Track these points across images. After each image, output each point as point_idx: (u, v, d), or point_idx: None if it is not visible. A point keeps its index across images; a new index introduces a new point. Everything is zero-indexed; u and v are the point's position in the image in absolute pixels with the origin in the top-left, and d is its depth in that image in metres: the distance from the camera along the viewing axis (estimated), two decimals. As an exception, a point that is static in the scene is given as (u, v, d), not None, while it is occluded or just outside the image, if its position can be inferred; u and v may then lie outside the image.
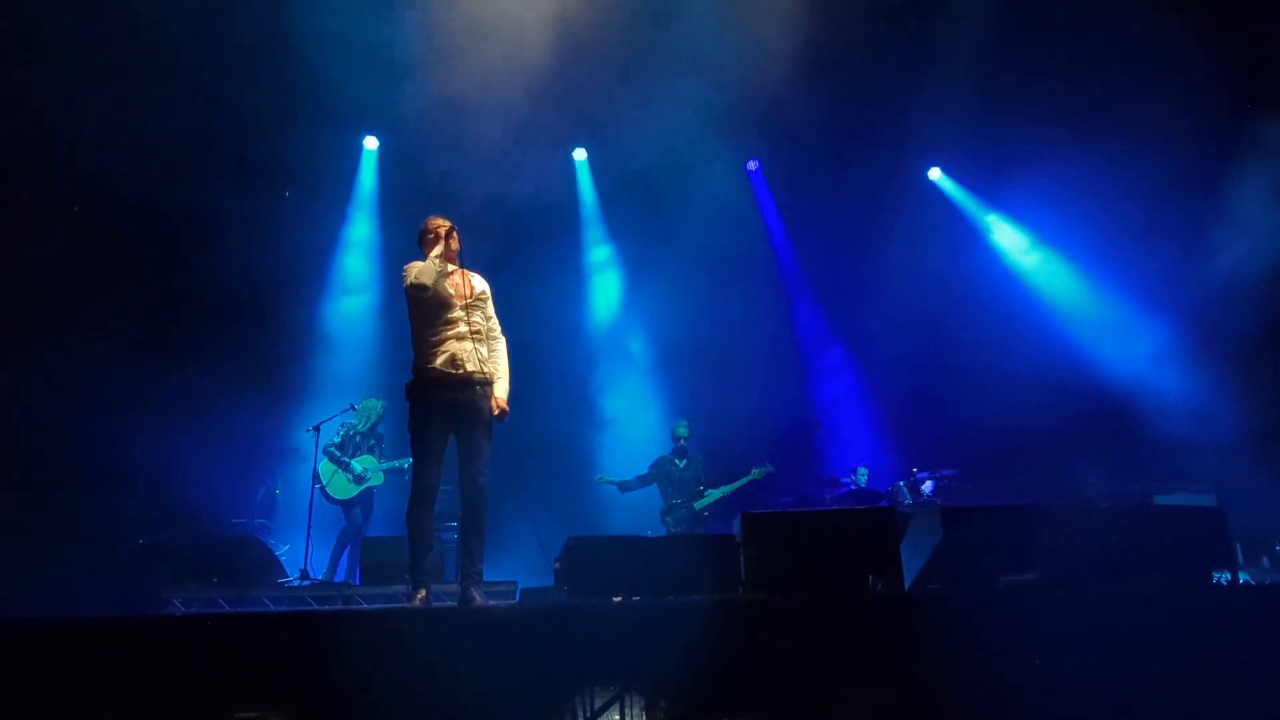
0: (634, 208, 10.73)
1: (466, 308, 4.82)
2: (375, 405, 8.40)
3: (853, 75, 9.58)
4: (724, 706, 3.68)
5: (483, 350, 4.81)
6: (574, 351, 10.86)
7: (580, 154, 11.10)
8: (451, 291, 4.81)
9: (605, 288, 11.21)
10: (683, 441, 8.67)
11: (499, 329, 5.04)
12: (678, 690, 3.64)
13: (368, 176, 10.59)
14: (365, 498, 8.21)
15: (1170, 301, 9.58)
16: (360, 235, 10.56)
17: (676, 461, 8.65)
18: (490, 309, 5.00)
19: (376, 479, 8.17)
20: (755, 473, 8.49)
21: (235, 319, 9.30)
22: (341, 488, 8.11)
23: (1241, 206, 8.79)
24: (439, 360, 4.70)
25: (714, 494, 8.49)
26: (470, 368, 4.72)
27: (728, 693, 3.68)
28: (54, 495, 7.58)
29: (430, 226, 4.97)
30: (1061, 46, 8.90)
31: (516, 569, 7.99)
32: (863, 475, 9.60)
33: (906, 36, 9.39)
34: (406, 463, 7.96)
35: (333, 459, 8.12)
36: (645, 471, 8.73)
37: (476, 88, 9.56)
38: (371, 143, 10.53)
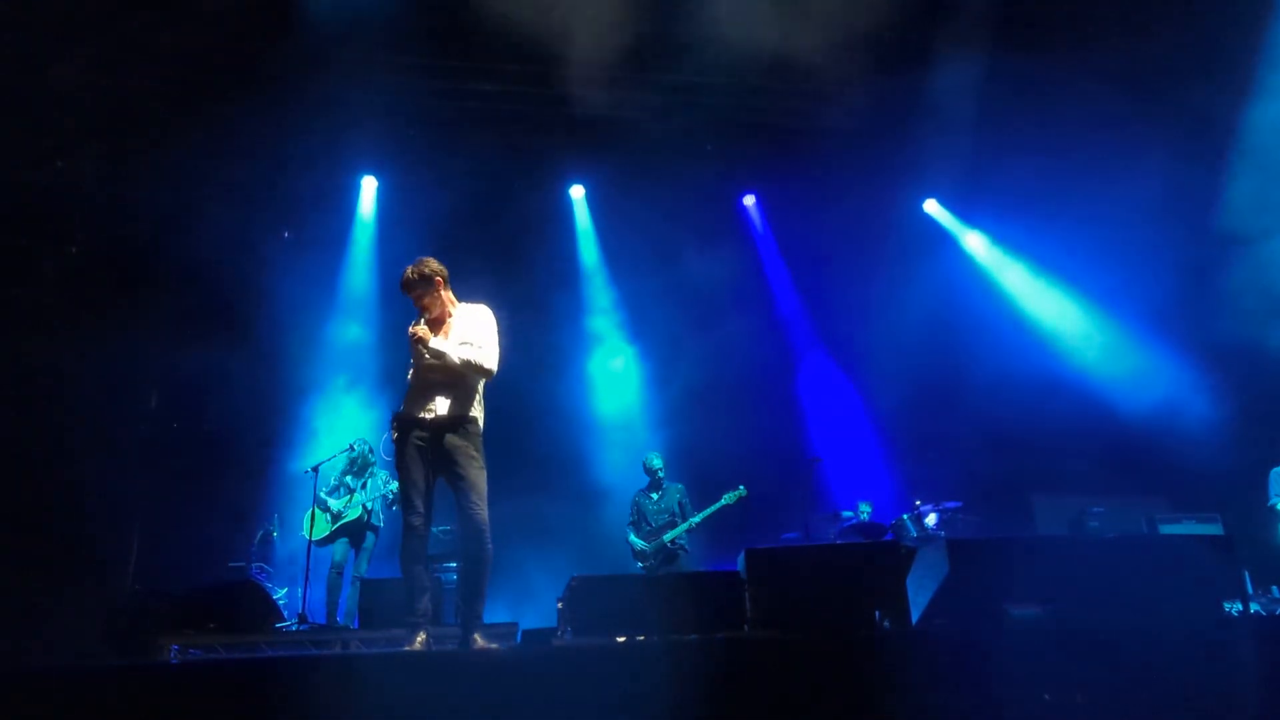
0: (631, 242, 10.78)
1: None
2: (360, 445, 8.36)
3: (847, 110, 9.71)
4: (731, 748, 3.61)
5: (450, 390, 4.74)
6: (572, 387, 10.86)
7: (578, 190, 11.19)
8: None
9: (602, 320, 11.22)
10: (658, 474, 8.37)
11: (487, 357, 4.81)
12: (683, 732, 3.57)
13: (366, 216, 10.66)
14: (348, 534, 8.11)
15: (1175, 327, 9.58)
16: (359, 273, 10.59)
17: (651, 494, 8.39)
18: (458, 357, 4.73)
19: (352, 513, 8.07)
20: (727, 498, 8.10)
21: (233, 357, 9.29)
22: (320, 528, 8.05)
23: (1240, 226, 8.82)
24: (409, 402, 4.76)
25: (682, 525, 8.13)
26: (440, 411, 4.70)
27: (734, 734, 3.60)
28: (48, 541, 7.52)
29: (438, 269, 4.88)
30: (1055, 72, 8.99)
31: (518, 610, 7.91)
32: (865, 510, 9.52)
33: (900, 72, 9.50)
34: (391, 485, 7.93)
35: (317, 502, 8.08)
36: (631, 516, 8.47)
37: (476, 124, 9.73)
38: (370, 183, 10.62)
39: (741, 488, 8.14)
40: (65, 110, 8.13)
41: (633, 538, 8.32)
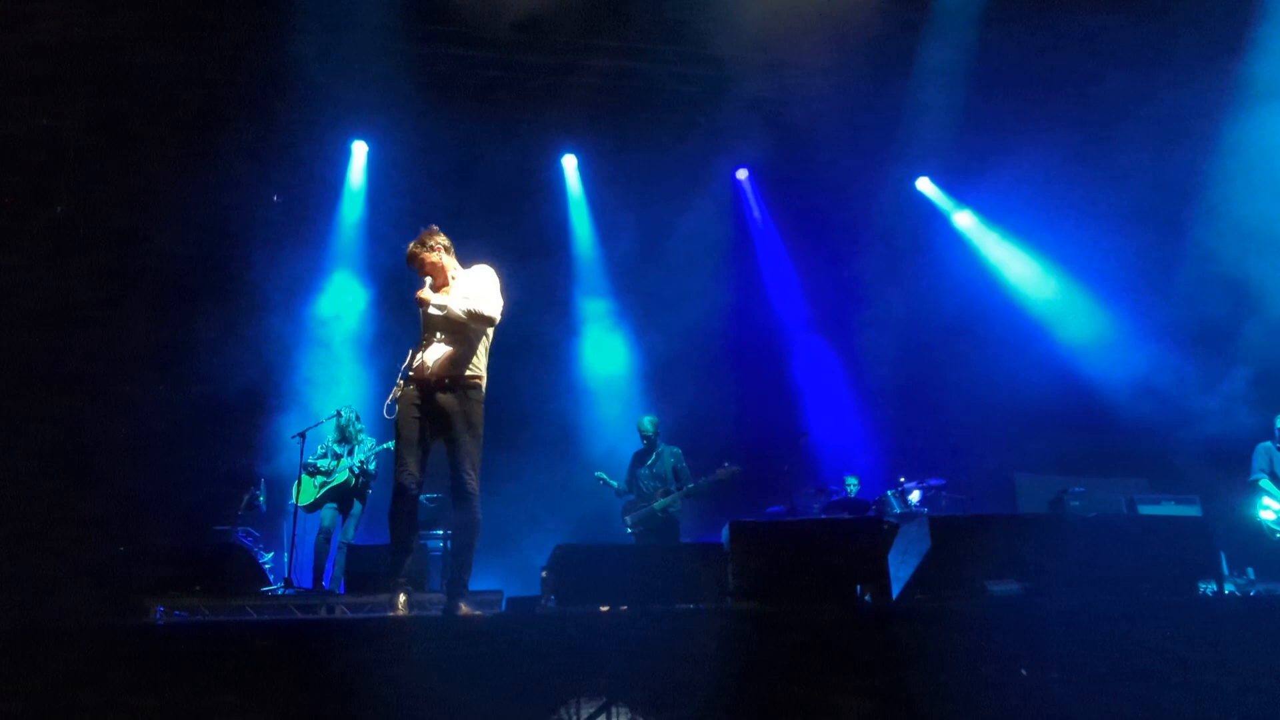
0: (622, 212, 10.73)
1: (444, 322, 4.84)
2: (346, 412, 8.35)
3: (842, 86, 9.66)
4: (711, 717, 3.66)
5: (452, 351, 4.78)
6: (562, 358, 10.86)
7: (570, 160, 11.11)
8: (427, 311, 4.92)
9: (593, 288, 11.20)
10: (650, 438, 8.23)
11: (488, 305, 4.85)
12: (665, 701, 3.61)
13: (356, 181, 10.56)
14: (336, 499, 8.12)
15: (1161, 310, 9.63)
16: (348, 238, 10.52)
17: (645, 459, 8.27)
18: (460, 308, 4.80)
19: (339, 476, 8.09)
20: (720, 474, 7.89)
21: (222, 321, 9.24)
22: (308, 493, 8.06)
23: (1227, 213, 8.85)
24: (412, 362, 4.82)
25: (675, 495, 7.97)
26: (442, 370, 4.73)
27: (714, 703, 3.65)
28: (33, 501, 7.50)
29: (440, 240, 5.00)
30: (1050, 52, 8.96)
31: (503, 578, 7.94)
32: (852, 485, 9.58)
33: (894, 51, 9.45)
34: (380, 447, 7.97)
35: (305, 468, 8.07)
36: (627, 479, 8.38)
37: (468, 91, 9.63)
38: (360, 147, 10.51)
39: (736, 465, 7.94)
40: (49, 65, 7.98)
41: (623, 503, 8.25)
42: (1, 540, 6.76)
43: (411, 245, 4.99)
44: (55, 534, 7.20)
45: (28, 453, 7.77)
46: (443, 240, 5.03)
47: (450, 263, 5.02)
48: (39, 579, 5.96)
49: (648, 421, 8.34)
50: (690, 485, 8.00)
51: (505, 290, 4.99)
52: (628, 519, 8.17)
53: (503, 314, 4.92)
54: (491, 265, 5.04)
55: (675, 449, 8.32)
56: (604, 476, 8.45)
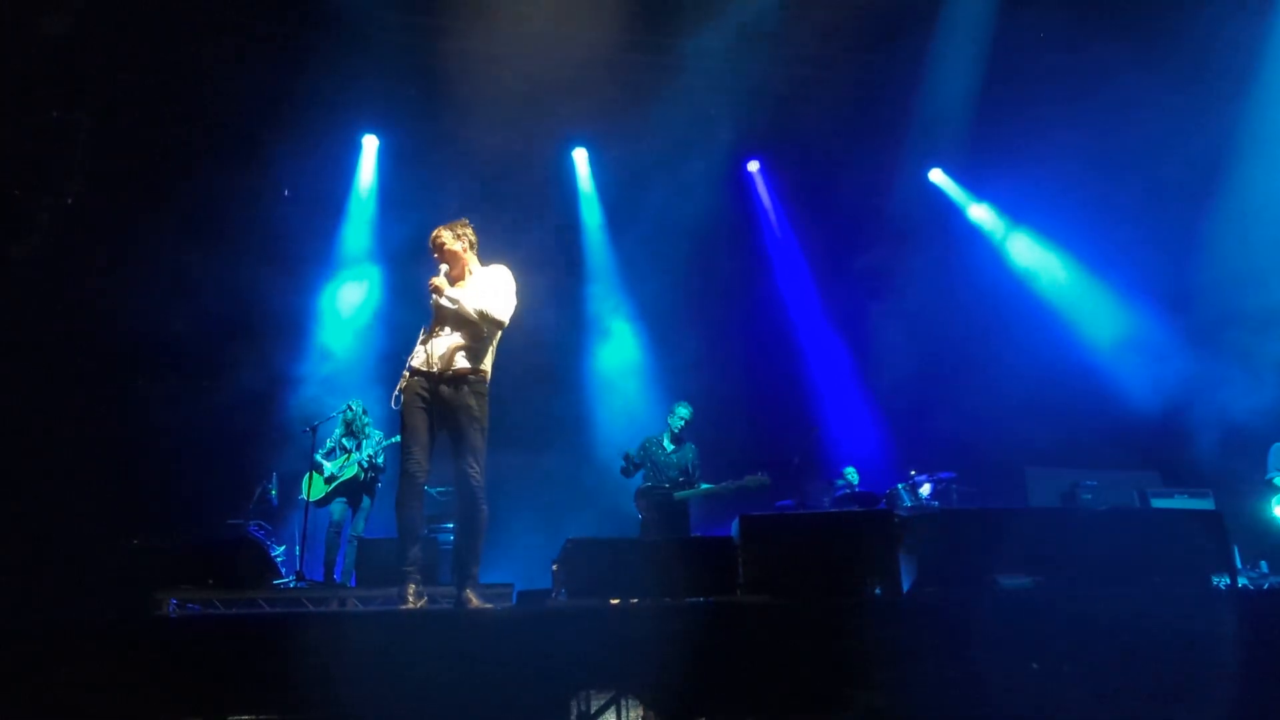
0: (633, 208, 10.71)
1: (453, 316, 4.86)
2: (355, 406, 8.38)
3: (854, 77, 9.61)
4: (720, 710, 3.67)
5: (459, 344, 4.79)
6: (572, 352, 10.86)
7: (580, 154, 11.09)
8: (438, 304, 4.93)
9: (604, 287, 11.18)
10: (677, 426, 8.15)
11: (499, 308, 4.87)
12: (674, 693, 3.62)
13: (367, 175, 10.57)
14: (345, 493, 8.16)
15: (1175, 303, 9.56)
16: (358, 232, 10.53)
17: (665, 444, 8.16)
18: (472, 306, 4.82)
19: (348, 472, 8.13)
20: (748, 481, 7.86)
21: (231, 315, 9.26)
22: (317, 489, 8.11)
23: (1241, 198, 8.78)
24: (419, 353, 4.85)
25: (701, 489, 7.91)
26: (448, 363, 4.75)
27: (724, 696, 3.66)
28: (46, 495, 7.55)
29: (466, 232, 5.04)
30: (1062, 38, 8.88)
31: (514, 571, 7.96)
32: (852, 474, 9.55)
33: (907, 39, 9.40)
34: (387, 442, 8.03)
35: (312, 464, 8.13)
36: (635, 454, 8.24)
37: (479, 85, 9.62)
38: (371, 141, 10.52)
39: (765, 475, 7.87)
40: (59, 60, 8.02)
41: (638, 486, 8.15)
42: (15, 534, 6.81)
43: (440, 228, 5.02)
44: (68, 528, 7.26)
45: (40, 447, 7.83)
46: (470, 234, 5.07)
47: (471, 258, 5.06)
48: (52, 573, 6.01)
49: (685, 409, 8.18)
50: (707, 485, 7.97)
51: (518, 289, 5.01)
52: (642, 502, 8.00)
53: (514, 316, 4.94)
54: (508, 266, 5.05)
55: (693, 445, 8.27)
56: (630, 454, 8.23)
